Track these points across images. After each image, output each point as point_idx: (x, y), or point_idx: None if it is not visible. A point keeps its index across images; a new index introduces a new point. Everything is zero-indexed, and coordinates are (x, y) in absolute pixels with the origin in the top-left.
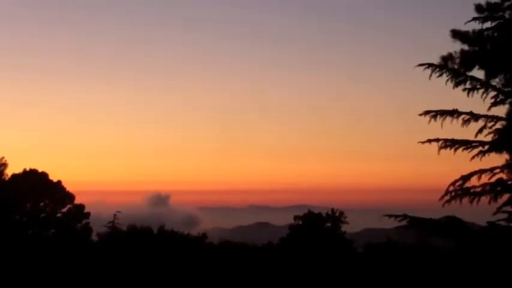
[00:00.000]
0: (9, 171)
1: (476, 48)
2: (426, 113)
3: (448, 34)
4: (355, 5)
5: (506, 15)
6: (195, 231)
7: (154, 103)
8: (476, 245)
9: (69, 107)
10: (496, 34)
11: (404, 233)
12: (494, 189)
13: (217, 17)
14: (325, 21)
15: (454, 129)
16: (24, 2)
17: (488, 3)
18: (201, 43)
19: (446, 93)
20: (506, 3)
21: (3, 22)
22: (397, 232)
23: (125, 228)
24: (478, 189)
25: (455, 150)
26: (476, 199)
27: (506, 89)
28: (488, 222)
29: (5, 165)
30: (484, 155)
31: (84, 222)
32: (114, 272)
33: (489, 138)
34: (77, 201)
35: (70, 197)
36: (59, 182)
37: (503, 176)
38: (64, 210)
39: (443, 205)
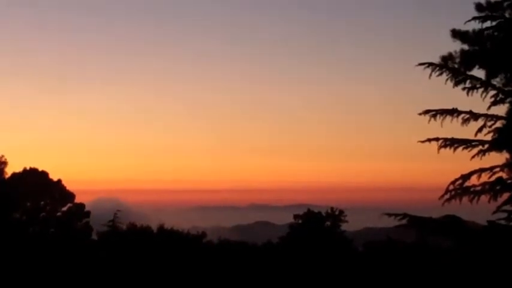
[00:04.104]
0: (9, 170)
1: (477, 48)
2: (426, 112)
3: (448, 34)
4: (354, 4)
5: (507, 15)
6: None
7: (154, 102)
8: (476, 244)
9: (69, 107)
10: (496, 33)
11: (404, 231)
12: (494, 188)
13: (211, 17)
14: (325, 20)
15: (453, 128)
16: (23, 2)
17: (488, 2)
18: (202, 44)
19: (446, 93)
20: (506, 3)
21: (3, 22)
22: (397, 231)
23: (124, 227)
24: (478, 188)
25: (455, 149)
26: (476, 198)
27: (506, 89)
28: (488, 221)
29: (5, 163)
30: (483, 154)
31: (84, 221)
32: (114, 271)
33: (489, 137)
34: (77, 200)
35: (70, 196)
36: (59, 181)
37: (503, 175)
38: (64, 209)
39: (443, 204)
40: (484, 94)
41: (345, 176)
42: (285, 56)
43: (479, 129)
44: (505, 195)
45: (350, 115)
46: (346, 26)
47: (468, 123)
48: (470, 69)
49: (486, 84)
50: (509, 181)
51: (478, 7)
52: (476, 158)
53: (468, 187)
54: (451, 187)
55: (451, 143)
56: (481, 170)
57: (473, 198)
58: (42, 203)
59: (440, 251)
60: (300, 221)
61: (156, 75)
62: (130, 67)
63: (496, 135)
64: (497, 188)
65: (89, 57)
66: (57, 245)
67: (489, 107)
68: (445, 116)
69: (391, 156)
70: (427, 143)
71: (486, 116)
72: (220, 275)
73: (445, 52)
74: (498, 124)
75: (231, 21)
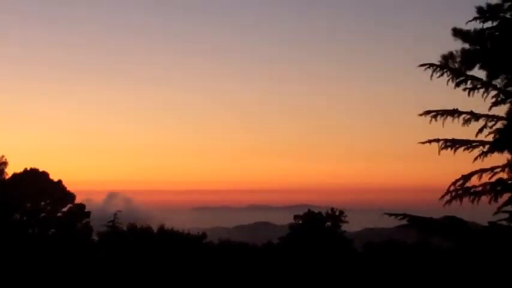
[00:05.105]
0: (9, 171)
1: (478, 47)
2: (427, 113)
3: (449, 33)
4: (355, 4)
5: (508, 15)
6: None
7: (155, 101)
8: (477, 245)
9: (69, 107)
10: (497, 33)
11: (405, 232)
12: (495, 189)
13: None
14: (324, 20)
15: (454, 128)
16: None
17: (489, 5)
18: (208, 39)
19: (447, 93)
20: (507, 4)
21: (5, 21)
22: (397, 232)
23: (125, 228)
24: (479, 189)
25: (455, 150)
26: (476, 199)
27: (507, 89)
28: (489, 222)
29: (5, 164)
30: (484, 154)
31: (84, 221)
32: (115, 272)
33: (490, 138)
34: (78, 200)
35: (70, 196)
36: (60, 181)
37: (504, 175)
38: (64, 209)
39: (444, 205)
40: (485, 95)
41: (345, 176)
42: (284, 58)
43: (480, 130)
44: (506, 196)
45: (350, 116)
46: (346, 26)
47: (469, 123)
48: (471, 68)
49: (487, 85)
50: (510, 182)
51: (479, 10)
52: (477, 159)
53: (469, 188)
54: (452, 188)
55: (452, 143)
56: (482, 171)
57: (474, 199)
58: (42, 203)
59: (441, 252)
60: (300, 222)
61: (160, 74)
62: (133, 66)
63: (497, 135)
64: (498, 188)
65: (89, 58)
66: (57, 245)
67: (490, 108)
68: (446, 116)
69: (392, 157)
70: (428, 144)
71: (487, 116)
72: (220, 276)
73: (446, 52)
74: (499, 125)
75: (230, 21)
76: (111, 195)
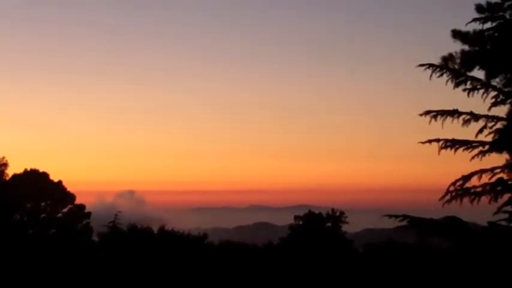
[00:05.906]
0: (10, 171)
1: (477, 49)
2: (427, 113)
3: (448, 34)
4: (355, 4)
5: (507, 16)
6: None
7: (156, 102)
8: (477, 245)
9: (69, 107)
10: (496, 34)
11: (405, 233)
12: (495, 189)
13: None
14: (324, 20)
15: (454, 129)
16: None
17: (488, 4)
18: (205, 41)
19: (446, 94)
20: (507, 3)
21: (5, 22)
22: (397, 232)
23: (125, 229)
24: (479, 189)
25: (455, 150)
26: (476, 199)
27: (506, 89)
28: (489, 223)
29: (5, 165)
30: (484, 155)
31: (84, 222)
32: (115, 272)
33: (489, 138)
34: (78, 201)
35: (71, 197)
36: (60, 182)
37: (504, 175)
38: (65, 210)
39: (443, 205)
40: (484, 95)
41: (345, 177)
42: (284, 58)
43: (480, 130)
44: (506, 196)
45: (350, 116)
46: (346, 26)
47: (469, 124)
48: (471, 69)
49: (486, 86)
50: (509, 182)
51: (478, 8)
52: (477, 159)
53: (469, 188)
54: (452, 188)
55: (452, 144)
56: (482, 171)
57: (474, 199)
58: (42, 204)
59: (441, 252)
60: (301, 222)
61: (161, 75)
62: (134, 66)
63: (497, 136)
64: (498, 189)
65: (88, 58)
66: (57, 246)
67: (490, 108)
68: (446, 116)
69: (392, 157)
70: (428, 144)
71: (487, 117)
72: (221, 276)
73: (445, 53)
74: (499, 125)
75: (230, 21)
76: (117, 196)
